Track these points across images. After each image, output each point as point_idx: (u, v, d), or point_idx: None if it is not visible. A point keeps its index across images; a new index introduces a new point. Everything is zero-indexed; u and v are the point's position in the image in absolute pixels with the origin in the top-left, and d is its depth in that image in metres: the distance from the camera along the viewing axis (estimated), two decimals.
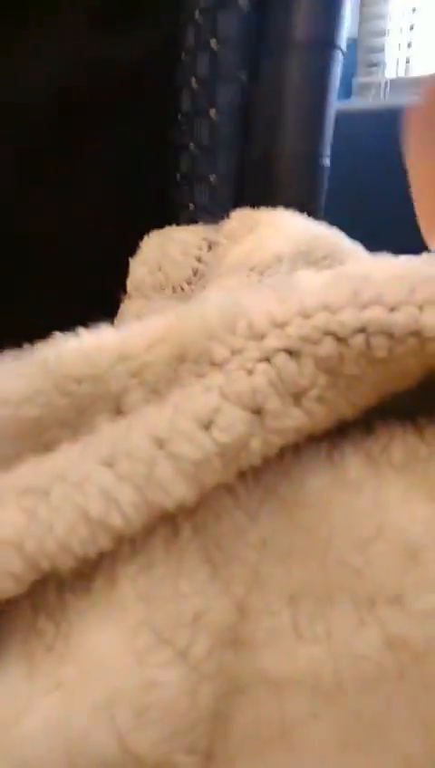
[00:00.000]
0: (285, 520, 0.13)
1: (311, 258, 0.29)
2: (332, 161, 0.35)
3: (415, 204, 0.25)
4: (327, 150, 0.33)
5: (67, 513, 0.12)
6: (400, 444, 0.14)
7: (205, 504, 0.13)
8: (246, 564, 0.13)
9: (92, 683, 0.11)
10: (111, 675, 0.11)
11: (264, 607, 0.13)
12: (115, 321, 0.30)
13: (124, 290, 0.32)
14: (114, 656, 0.11)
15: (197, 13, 0.33)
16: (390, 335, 0.12)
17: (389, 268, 0.15)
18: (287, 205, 0.32)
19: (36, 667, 0.12)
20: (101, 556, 0.13)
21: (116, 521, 0.12)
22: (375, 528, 0.13)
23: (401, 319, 0.12)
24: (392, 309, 0.12)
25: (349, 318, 0.12)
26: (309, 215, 0.32)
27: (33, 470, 0.13)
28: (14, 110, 0.28)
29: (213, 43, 0.32)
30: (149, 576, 0.12)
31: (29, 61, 0.28)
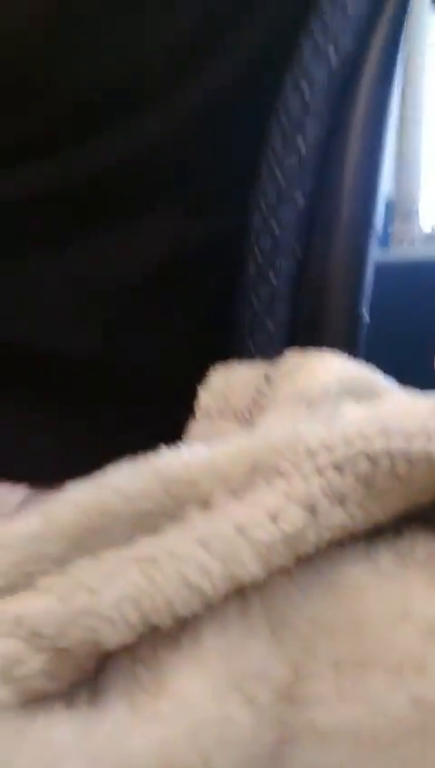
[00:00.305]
0: (331, 599, 0.17)
1: (354, 393, 0.35)
2: (371, 309, 0.42)
3: None
4: (365, 306, 0.40)
5: (174, 579, 0.16)
6: (422, 544, 0.19)
7: (270, 582, 0.17)
8: (300, 634, 0.17)
9: (182, 716, 0.15)
10: (197, 710, 0.15)
11: (314, 670, 0.16)
12: (185, 438, 0.35)
13: (193, 414, 0.38)
14: (199, 696, 0.15)
15: (262, 204, 0.43)
16: (408, 459, 0.17)
17: (410, 405, 0.20)
18: (332, 348, 0.38)
19: (136, 703, 0.16)
20: (187, 621, 0.17)
21: (207, 588, 0.16)
22: (402, 610, 0.17)
23: (416, 447, 0.17)
24: (409, 438, 0.17)
25: (379, 446, 0.17)
26: (351, 356, 0.38)
27: (148, 545, 0.17)
28: (111, 282, 0.36)
29: (274, 227, 0.41)
30: (225, 637, 0.16)
31: (127, 249, 0.37)
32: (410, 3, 0.39)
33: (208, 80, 0.37)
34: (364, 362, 0.37)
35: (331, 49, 0.37)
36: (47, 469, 0.20)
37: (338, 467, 0.17)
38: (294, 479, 0.18)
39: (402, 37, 0.39)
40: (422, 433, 0.17)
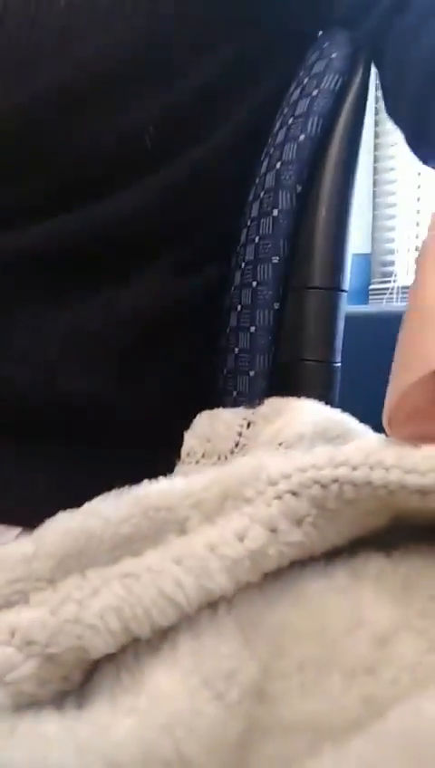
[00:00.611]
0: (296, 609, 0.19)
1: (327, 437, 0.37)
2: (351, 356, 0.45)
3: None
4: (338, 357, 0.44)
5: (151, 590, 0.18)
6: (374, 563, 0.21)
7: (240, 595, 0.19)
8: (269, 639, 0.19)
9: (158, 708, 0.17)
10: (171, 704, 0.17)
11: (281, 670, 0.18)
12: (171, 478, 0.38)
13: (179, 456, 0.40)
14: (173, 691, 0.17)
15: (242, 262, 0.47)
16: (353, 484, 0.20)
17: (362, 441, 0.23)
18: (309, 395, 0.41)
19: (117, 700, 0.18)
20: (166, 633, 0.19)
21: (181, 598, 0.19)
22: (356, 619, 0.19)
23: (359, 474, 0.20)
24: (354, 468, 0.20)
25: (327, 473, 0.20)
26: (326, 403, 0.41)
27: (129, 564, 0.20)
28: (105, 333, 0.40)
29: (254, 284, 0.45)
30: (198, 642, 0.18)
31: (119, 303, 0.40)
32: (370, 91, 0.45)
33: (195, 154, 0.42)
34: (341, 407, 0.40)
35: (301, 134, 0.42)
36: (46, 512, 0.22)
37: (294, 493, 0.20)
38: (258, 504, 0.20)
39: (364, 121, 0.44)
40: (365, 464, 0.20)
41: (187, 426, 0.40)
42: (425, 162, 0.33)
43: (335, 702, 0.18)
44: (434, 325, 0.20)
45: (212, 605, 0.19)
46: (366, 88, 0.41)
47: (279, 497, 0.20)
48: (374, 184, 1.78)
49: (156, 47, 0.37)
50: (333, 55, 0.41)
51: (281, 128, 0.44)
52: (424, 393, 0.22)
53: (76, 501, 0.23)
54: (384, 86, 0.37)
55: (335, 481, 0.20)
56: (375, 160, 1.82)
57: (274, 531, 0.20)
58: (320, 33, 0.44)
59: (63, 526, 0.21)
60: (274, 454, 0.29)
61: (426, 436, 0.22)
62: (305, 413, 0.39)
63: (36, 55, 0.35)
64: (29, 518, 0.35)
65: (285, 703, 0.18)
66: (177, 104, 0.39)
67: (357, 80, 0.41)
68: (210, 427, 0.40)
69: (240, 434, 0.39)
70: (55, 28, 0.34)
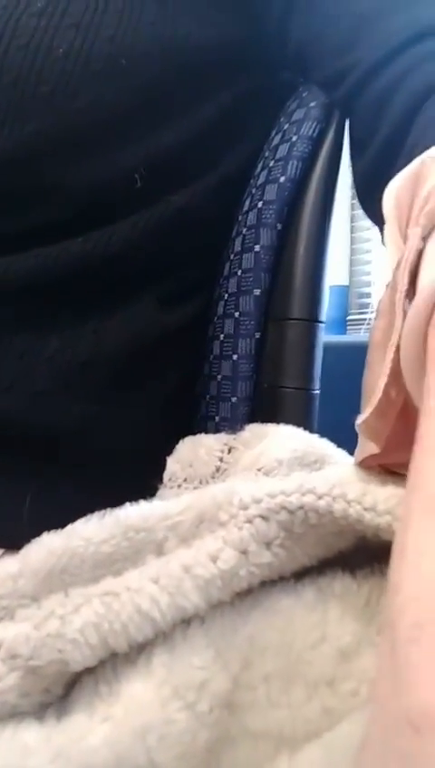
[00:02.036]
0: (265, 623, 0.21)
1: (304, 462, 0.39)
2: (330, 384, 0.47)
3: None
4: (316, 384, 0.46)
5: (129, 607, 0.20)
6: (340, 582, 0.22)
7: (213, 611, 0.21)
8: (239, 651, 0.20)
9: (132, 717, 0.18)
10: (144, 712, 0.18)
11: (249, 681, 0.19)
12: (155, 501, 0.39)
13: (162, 480, 0.41)
14: (147, 700, 0.18)
15: (225, 294, 0.49)
16: (317, 512, 0.21)
17: (330, 471, 0.24)
18: (288, 421, 0.43)
19: (95, 709, 0.19)
20: (144, 646, 0.20)
21: (156, 615, 0.20)
22: (321, 635, 0.21)
23: (322, 504, 0.21)
24: (320, 497, 0.21)
25: (294, 500, 0.21)
26: (305, 429, 0.43)
27: (110, 583, 0.21)
28: (92, 363, 0.41)
29: (236, 314, 0.47)
30: (172, 654, 0.20)
31: (106, 334, 0.41)
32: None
33: (182, 196, 0.44)
34: (319, 433, 0.42)
35: (282, 176, 0.45)
36: (30, 534, 0.23)
37: (264, 517, 0.21)
38: (230, 527, 0.22)
39: (340, 164, 0.47)
40: (329, 495, 0.21)
41: (170, 451, 0.42)
42: (374, 221, 0.35)
43: (298, 712, 0.19)
44: (377, 362, 0.22)
45: (186, 621, 0.21)
46: (342, 134, 0.44)
47: (250, 521, 0.22)
48: (352, 219, 1.85)
49: (150, 101, 0.40)
50: (312, 104, 0.44)
51: (263, 170, 0.46)
52: (386, 425, 0.24)
53: (60, 523, 0.24)
54: (351, 142, 0.39)
55: (301, 507, 0.21)
56: (353, 197, 1.89)
57: (244, 552, 0.21)
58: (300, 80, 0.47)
59: (47, 546, 0.22)
60: (250, 479, 0.30)
61: (396, 464, 0.24)
62: (284, 439, 0.41)
63: (30, 103, 0.37)
64: (13, 539, 0.36)
65: (252, 713, 0.19)
66: (168, 150, 0.41)
67: (333, 127, 0.44)
68: (193, 452, 0.41)
69: (221, 459, 0.41)
70: (51, 78, 0.36)
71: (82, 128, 0.38)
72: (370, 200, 0.33)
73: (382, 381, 0.20)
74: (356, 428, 0.23)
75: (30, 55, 0.36)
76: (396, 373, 0.20)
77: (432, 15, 0.31)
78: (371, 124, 0.32)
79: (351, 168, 0.37)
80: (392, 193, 0.23)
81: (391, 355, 0.20)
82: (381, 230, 0.33)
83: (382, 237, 0.31)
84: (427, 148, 0.23)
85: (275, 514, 0.21)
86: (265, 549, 0.21)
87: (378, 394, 0.21)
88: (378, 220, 0.33)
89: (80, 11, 0.37)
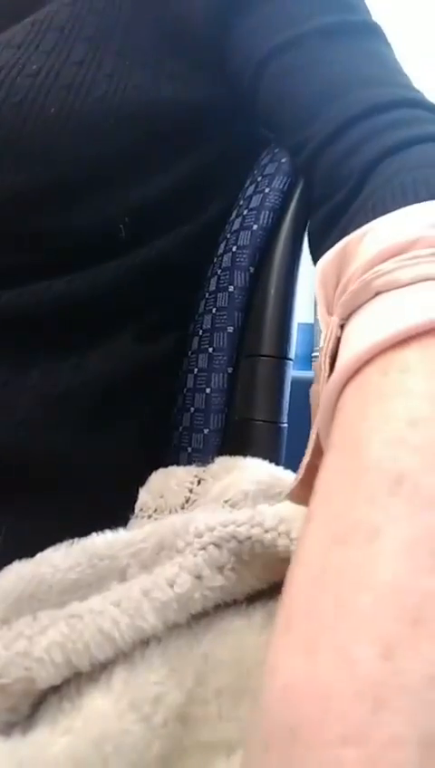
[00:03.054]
0: (218, 642, 0.23)
1: (269, 494, 0.41)
2: (296, 417, 0.50)
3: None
4: (284, 418, 0.48)
5: (91, 627, 0.22)
6: None
7: (169, 632, 0.23)
8: (194, 668, 0.22)
9: (90, 728, 0.20)
10: (102, 723, 0.20)
11: (203, 696, 0.21)
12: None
13: (132, 510, 0.43)
14: (105, 712, 0.20)
15: (200, 330, 0.52)
16: (262, 543, 0.23)
17: (286, 505, 0.27)
18: (257, 452, 0.45)
19: (57, 723, 0.20)
20: (106, 665, 0.22)
21: (117, 635, 0.22)
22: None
23: (268, 537, 0.23)
24: (266, 531, 0.23)
25: (244, 531, 0.23)
26: (273, 460, 0.45)
27: (76, 607, 0.23)
28: (71, 394, 0.43)
29: (210, 350, 0.50)
30: (131, 671, 0.21)
31: (86, 367, 0.43)
32: None
33: (162, 242, 0.47)
34: (286, 466, 0.44)
35: (254, 224, 0.48)
36: (2, 562, 0.25)
37: (216, 544, 0.24)
38: (187, 553, 0.24)
39: (308, 214, 0.50)
40: (275, 530, 0.24)
41: (143, 481, 0.43)
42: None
43: (248, 725, 0.21)
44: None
45: (145, 642, 0.22)
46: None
47: (204, 548, 0.24)
48: None
49: (134, 157, 0.42)
50: (283, 160, 0.48)
51: (237, 216, 0.50)
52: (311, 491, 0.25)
53: (33, 552, 0.26)
54: (310, 203, 0.41)
55: (249, 538, 0.23)
56: None
57: (199, 577, 0.23)
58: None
59: (17, 572, 0.24)
60: (212, 509, 0.32)
61: None
62: (251, 472, 0.43)
63: (19, 157, 0.39)
64: None
65: (204, 725, 0.21)
66: (150, 201, 0.44)
67: (302, 181, 0.48)
68: (164, 483, 0.43)
69: (191, 490, 0.43)
70: (42, 135, 0.39)
71: (69, 181, 0.40)
72: (314, 256, 0.36)
73: (305, 459, 0.23)
74: (284, 498, 0.25)
75: (23, 113, 0.39)
76: (318, 450, 0.22)
77: (384, 94, 0.35)
78: (324, 188, 0.35)
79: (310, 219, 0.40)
80: (320, 272, 0.24)
81: (313, 435, 0.22)
82: None
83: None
84: (359, 225, 0.24)
85: (227, 542, 0.23)
86: (217, 573, 0.23)
87: (301, 471, 0.23)
88: None
89: (72, 73, 0.40)
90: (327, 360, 0.22)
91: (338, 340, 0.22)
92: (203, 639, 0.23)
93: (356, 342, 0.20)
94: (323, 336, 0.24)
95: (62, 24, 0.43)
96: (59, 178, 0.40)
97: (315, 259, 0.36)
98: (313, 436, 0.22)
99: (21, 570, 0.24)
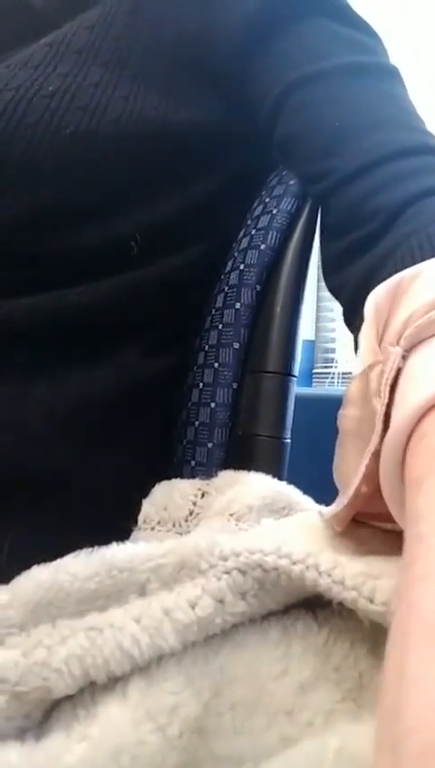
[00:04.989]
0: (234, 656, 0.23)
1: (273, 508, 0.42)
2: (297, 433, 0.50)
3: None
4: (288, 433, 0.49)
5: (111, 643, 0.22)
6: (302, 621, 0.25)
7: (188, 647, 0.23)
8: (211, 680, 0.22)
9: (107, 737, 0.20)
10: (119, 733, 0.20)
11: (218, 709, 0.21)
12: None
13: (136, 522, 0.43)
14: (121, 722, 0.20)
15: (206, 345, 0.52)
16: (289, 576, 0.23)
17: (312, 530, 0.26)
18: (261, 466, 0.46)
19: (72, 730, 0.20)
20: (120, 678, 0.22)
21: (136, 653, 0.22)
22: (284, 669, 0.23)
23: (296, 570, 0.23)
24: (294, 563, 0.24)
25: (271, 561, 0.23)
26: (276, 475, 0.45)
27: (95, 618, 0.23)
28: (79, 408, 0.43)
29: (216, 365, 0.50)
30: (148, 682, 0.21)
31: (91, 381, 0.42)
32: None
33: (171, 261, 0.47)
34: (287, 481, 0.45)
35: (262, 243, 0.49)
36: (7, 574, 0.24)
37: (241, 571, 0.23)
38: (210, 576, 0.24)
39: (315, 235, 0.51)
40: (303, 563, 0.23)
41: (147, 493, 0.44)
42: (333, 294, 0.38)
43: (258, 739, 0.21)
44: (350, 452, 0.25)
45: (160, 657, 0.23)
46: (317, 211, 0.49)
47: (228, 572, 0.23)
48: (318, 279, 1.95)
49: (148, 177, 0.43)
50: (291, 182, 0.49)
51: (245, 236, 0.51)
52: (352, 513, 0.25)
53: (37, 564, 0.26)
54: (322, 227, 0.41)
55: (276, 569, 0.23)
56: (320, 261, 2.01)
57: (221, 602, 0.23)
58: None
59: (36, 579, 0.24)
60: (227, 528, 0.33)
61: (374, 514, 0.26)
62: (254, 486, 0.43)
63: (34, 176, 0.39)
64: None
65: (218, 738, 0.21)
66: (163, 220, 0.44)
67: (309, 203, 0.49)
68: (167, 495, 0.43)
69: (194, 503, 0.43)
70: (57, 156, 0.39)
71: (83, 200, 0.41)
72: (332, 279, 0.37)
73: (356, 481, 0.23)
74: (322, 516, 0.26)
75: (39, 133, 0.39)
76: (369, 476, 0.23)
77: (409, 138, 0.35)
78: (346, 220, 0.35)
79: (320, 247, 0.41)
80: (373, 299, 0.25)
81: (366, 461, 0.23)
82: (339, 300, 0.37)
83: (344, 316, 0.35)
84: (403, 260, 0.26)
85: (252, 570, 0.23)
86: (240, 599, 0.23)
87: (350, 494, 0.23)
88: (336, 294, 0.37)
89: (88, 95, 0.41)
90: (387, 388, 0.23)
91: (399, 370, 0.23)
92: (219, 653, 0.23)
93: (427, 376, 0.20)
94: (361, 362, 0.25)
95: (79, 47, 0.44)
96: (73, 197, 0.40)
97: (333, 282, 0.36)
98: (364, 463, 0.23)
99: (39, 576, 0.24)
